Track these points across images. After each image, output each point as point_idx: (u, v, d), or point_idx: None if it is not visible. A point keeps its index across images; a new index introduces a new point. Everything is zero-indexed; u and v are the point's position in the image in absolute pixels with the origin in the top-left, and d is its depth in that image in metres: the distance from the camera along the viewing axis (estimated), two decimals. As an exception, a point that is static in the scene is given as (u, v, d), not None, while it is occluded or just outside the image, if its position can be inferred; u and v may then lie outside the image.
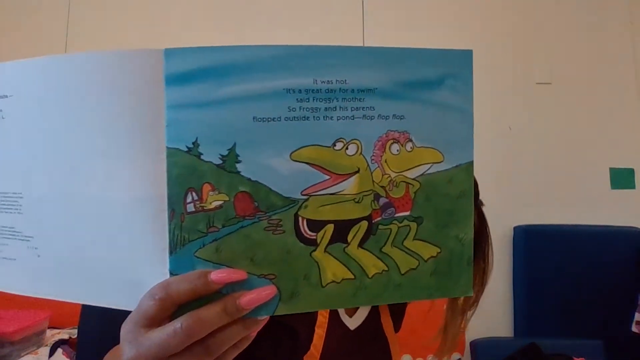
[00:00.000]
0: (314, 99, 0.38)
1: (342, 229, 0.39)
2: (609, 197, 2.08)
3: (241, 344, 0.38)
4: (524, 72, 2.13)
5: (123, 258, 0.38)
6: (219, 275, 0.35)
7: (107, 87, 0.37)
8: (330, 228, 0.39)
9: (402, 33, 2.13)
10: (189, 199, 0.37)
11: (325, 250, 0.39)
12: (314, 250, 0.38)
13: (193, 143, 0.36)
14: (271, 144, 0.37)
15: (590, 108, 2.13)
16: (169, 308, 0.35)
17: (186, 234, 0.37)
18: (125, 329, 0.36)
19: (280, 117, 0.37)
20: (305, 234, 0.38)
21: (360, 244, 0.40)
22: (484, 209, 0.91)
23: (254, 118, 0.37)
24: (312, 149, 0.38)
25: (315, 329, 0.71)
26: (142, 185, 0.37)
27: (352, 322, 0.80)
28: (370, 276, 0.40)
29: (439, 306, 2.12)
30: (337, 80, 0.38)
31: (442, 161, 0.41)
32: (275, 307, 0.38)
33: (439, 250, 0.41)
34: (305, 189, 0.38)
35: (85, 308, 1.06)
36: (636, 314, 1.83)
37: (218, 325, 0.35)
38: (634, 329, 1.83)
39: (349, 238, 0.39)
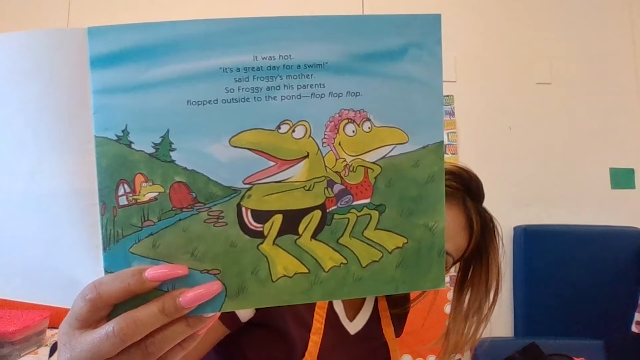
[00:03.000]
0: (254, 78, 0.34)
1: (292, 220, 0.36)
2: (609, 197, 2.08)
3: (187, 344, 0.35)
4: (524, 72, 2.13)
5: (56, 256, 0.35)
6: (154, 272, 0.33)
7: (27, 72, 0.34)
8: (278, 219, 0.36)
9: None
10: (120, 192, 0.34)
11: (274, 243, 0.36)
12: (261, 243, 0.35)
13: (122, 131, 0.34)
14: (208, 129, 0.34)
15: (590, 108, 2.12)
16: (102, 309, 0.33)
17: (119, 229, 0.34)
18: (60, 330, 0.34)
19: (217, 100, 0.34)
20: (250, 226, 0.35)
21: (314, 236, 0.36)
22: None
23: (187, 102, 0.34)
24: (254, 133, 0.34)
25: (310, 335, 0.70)
26: (70, 178, 0.34)
27: (353, 327, 0.78)
28: (326, 270, 0.36)
29: (439, 306, 2.11)
30: (280, 56, 0.34)
31: (406, 142, 0.36)
32: (222, 304, 0.35)
33: (405, 241, 0.37)
34: (247, 177, 0.35)
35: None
36: (636, 314, 1.83)
37: (155, 327, 0.32)
38: (634, 329, 1.83)
39: (301, 229, 0.36)
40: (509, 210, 2.02)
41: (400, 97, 0.36)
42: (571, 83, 2.14)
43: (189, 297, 0.33)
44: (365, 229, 0.37)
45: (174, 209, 0.34)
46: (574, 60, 2.15)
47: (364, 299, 0.81)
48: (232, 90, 0.34)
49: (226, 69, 0.34)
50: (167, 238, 0.34)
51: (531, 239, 1.96)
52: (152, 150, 0.34)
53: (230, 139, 0.34)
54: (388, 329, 0.84)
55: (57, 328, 1.66)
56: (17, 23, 2.08)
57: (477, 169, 2.36)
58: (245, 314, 0.67)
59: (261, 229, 0.35)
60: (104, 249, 0.34)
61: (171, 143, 0.34)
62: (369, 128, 0.36)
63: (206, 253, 0.34)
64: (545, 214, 2.02)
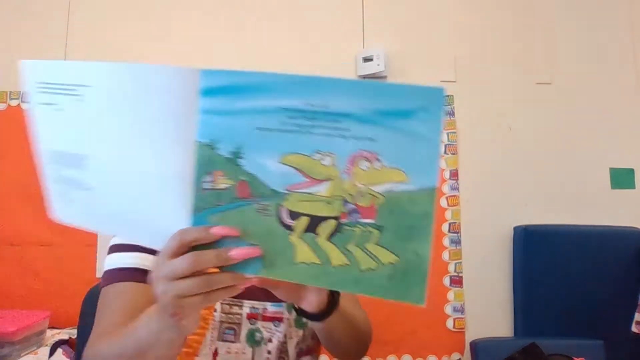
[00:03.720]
0: (301, 117, 0.47)
1: (314, 222, 0.48)
2: (609, 197, 2.08)
3: (229, 291, 0.52)
4: (524, 72, 2.13)
5: (163, 217, 0.52)
6: (217, 229, 0.49)
7: (157, 92, 0.50)
8: (305, 220, 0.48)
9: (401, 32, 2.13)
10: (206, 179, 0.50)
11: (299, 237, 0.49)
12: (291, 234, 0.49)
13: (212, 140, 0.49)
14: (267, 148, 0.48)
15: (590, 108, 2.13)
16: (184, 246, 0.49)
17: (203, 204, 0.50)
18: (155, 261, 0.52)
19: (275, 129, 0.48)
20: (285, 220, 0.49)
21: (328, 238, 0.48)
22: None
23: (256, 127, 0.48)
24: (296, 156, 0.48)
25: None
26: (177, 166, 0.50)
27: None
28: (333, 265, 0.48)
29: (439, 307, 2.12)
30: (321, 104, 0.47)
31: (406, 182, 0.46)
32: (258, 270, 0.50)
33: (397, 259, 0.47)
34: (288, 186, 0.48)
35: (85, 309, 1.06)
36: (636, 314, 1.83)
37: (212, 265, 0.49)
38: (634, 329, 1.83)
39: (319, 231, 0.48)
40: (509, 210, 2.02)
41: (405, 146, 0.46)
42: (571, 83, 2.14)
43: (236, 251, 0.49)
44: (367, 242, 0.48)
45: (237, 197, 0.49)
46: (574, 60, 2.15)
47: None
48: (285, 124, 0.48)
49: (284, 108, 0.47)
50: (230, 216, 0.50)
51: (531, 239, 1.96)
52: (230, 156, 0.49)
53: (280, 157, 0.48)
54: None
55: (57, 328, 1.66)
56: (17, 23, 2.08)
57: (477, 169, 2.36)
58: None
59: (292, 224, 0.49)
60: (193, 214, 0.50)
61: (242, 153, 0.49)
62: (379, 167, 0.47)
63: (254, 232, 0.49)
64: (545, 214, 2.03)
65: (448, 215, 1.99)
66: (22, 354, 1.42)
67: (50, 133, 0.58)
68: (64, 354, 1.44)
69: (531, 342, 1.69)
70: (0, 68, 2.03)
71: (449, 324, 1.94)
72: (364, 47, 2.11)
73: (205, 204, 0.50)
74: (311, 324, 0.80)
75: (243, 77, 0.48)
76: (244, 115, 0.48)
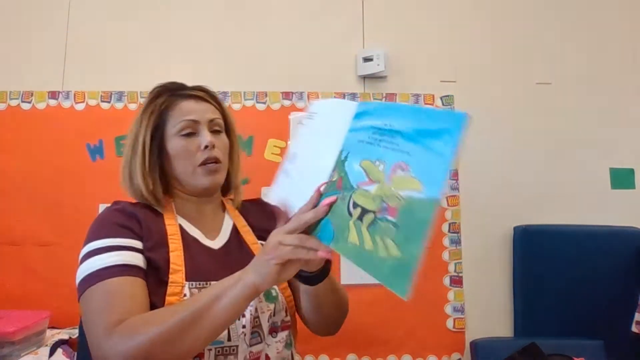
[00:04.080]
0: (378, 133, 0.63)
1: (363, 213, 0.62)
2: (609, 197, 2.08)
3: (310, 254, 0.67)
4: (524, 72, 2.13)
5: (308, 194, 0.72)
6: (323, 186, 0.71)
7: (339, 117, 0.73)
8: (359, 210, 0.62)
9: (401, 32, 2.13)
10: (331, 173, 0.70)
11: (353, 222, 0.63)
12: (350, 220, 0.63)
13: (343, 149, 0.70)
14: (358, 154, 0.66)
15: (590, 108, 2.13)
16: (306, 211, 0.71)
17: (328, 188, 0.70)
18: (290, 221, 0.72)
19: (364, 141, 0.65)
20: (350, 209, 0.64)
21: (367, 227, 0.61)
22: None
23: (358, 140, 0.67)
24: (367, 162, 0.64)
25: (170, 252, 0.89)
26: (327, 164, 0.73)
27: (216, 244, 0.98)
28: (365, 249, 0.60)
29: (439, 307, 2.11)
30: (389, 124, 0.62)
31: (420, 191, 0.55)
32: (330, 241, 0.66)
33: (400, 255, 0.56)
34: (359, 183, 0.64)
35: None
36: (636, 314, 1.83)
37: (311, 218, 0.69)
38: (634, 329, 1.83)
39: (364, 220, 0.61)
40: (509, 210, 2.02)
41: (427, 161, 0.55)
42: (571, 83, 2.14)
43: (325, 200, 0.68)
44: (386, 235, 0.58)
45: (336, 187, 0.68)
46: (574, 60, 2.15)
47: (221, 223, 1.03)
48: (370, 138, 0.64)
49: (372, 126, 0.65)
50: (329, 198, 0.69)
51: (531, 239, 1.96)
52: (343, 159, 0.69)
53: (360, 162, 0.65)
54: (250, 239, 1.01)
55: (57, 328, 1.66)
56: (17, 23, 2.08)
57: (477, 169, 2.35)
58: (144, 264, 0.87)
59: (352, 212, 0.64)
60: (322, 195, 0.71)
61: (347, 158, 0.68)
62: (407, 176, 0.57)
63: (335, 212, 0.66)
64: (546, 214, 2.03)
65: (448, 215, 1.99)
66: (22, 354, 1.42)
67: (295, 139, 0.86)
68: (64, 354, 1.44)
69: (531, 342, 1.69)
70: (0, 68, 2.03)
71: (449, 324, 1.94)
72: (364, 47, 2.10)
73: (328, 189, 0.70)
74: (302, 288, 0.91)
75: (369, 105, 0.68)
76: (356, 132, 0.67)
